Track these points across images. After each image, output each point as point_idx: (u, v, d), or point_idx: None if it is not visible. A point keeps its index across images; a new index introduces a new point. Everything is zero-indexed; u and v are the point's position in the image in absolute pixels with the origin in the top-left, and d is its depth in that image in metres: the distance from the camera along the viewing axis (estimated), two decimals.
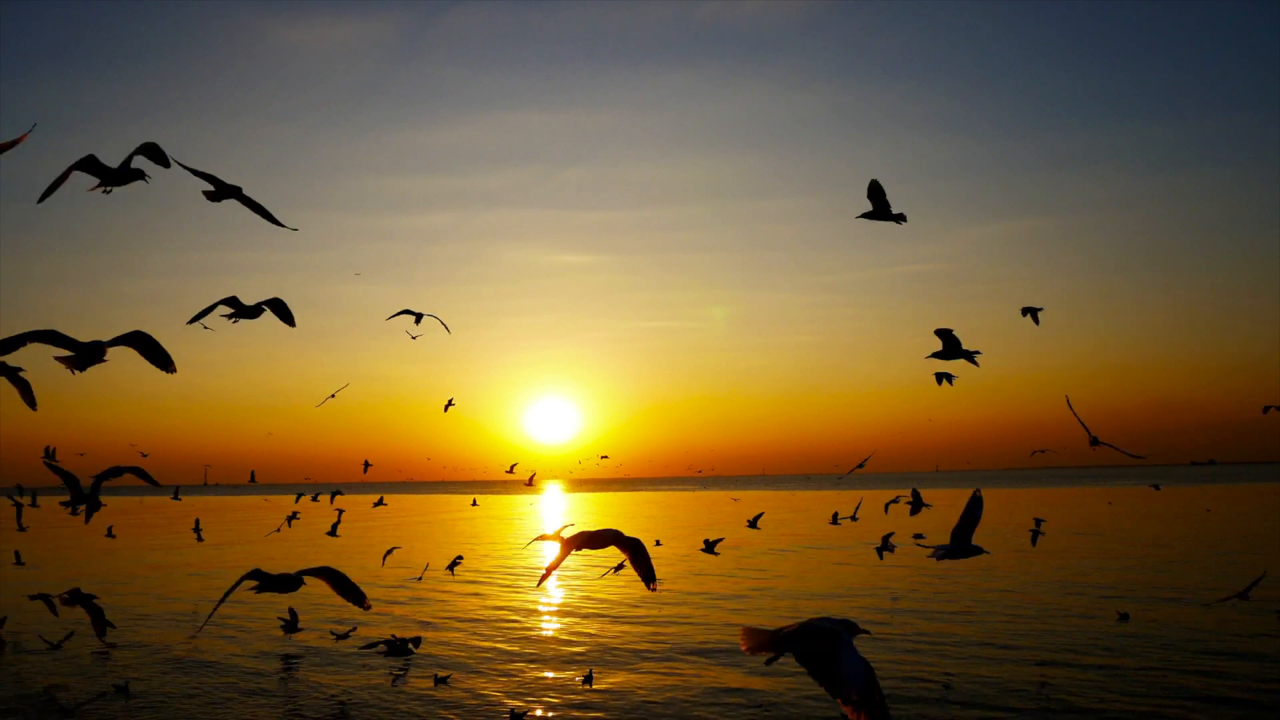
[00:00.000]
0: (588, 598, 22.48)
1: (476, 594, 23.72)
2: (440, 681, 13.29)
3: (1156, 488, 42.07)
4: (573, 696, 12.84)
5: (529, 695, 12.94)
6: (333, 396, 12.53)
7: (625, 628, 18.09)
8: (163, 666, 15.04)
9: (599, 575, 25.40)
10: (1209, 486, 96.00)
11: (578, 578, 26.96)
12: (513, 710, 11.76)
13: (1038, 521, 19.61)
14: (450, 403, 17.57)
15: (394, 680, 13.73)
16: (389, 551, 25.10)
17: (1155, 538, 36.00)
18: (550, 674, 14.29)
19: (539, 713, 12.11)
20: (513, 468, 25.29)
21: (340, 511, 28.58)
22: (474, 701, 12.61)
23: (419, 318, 10.15)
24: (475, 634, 17.72)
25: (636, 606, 20.66)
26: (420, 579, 25.28)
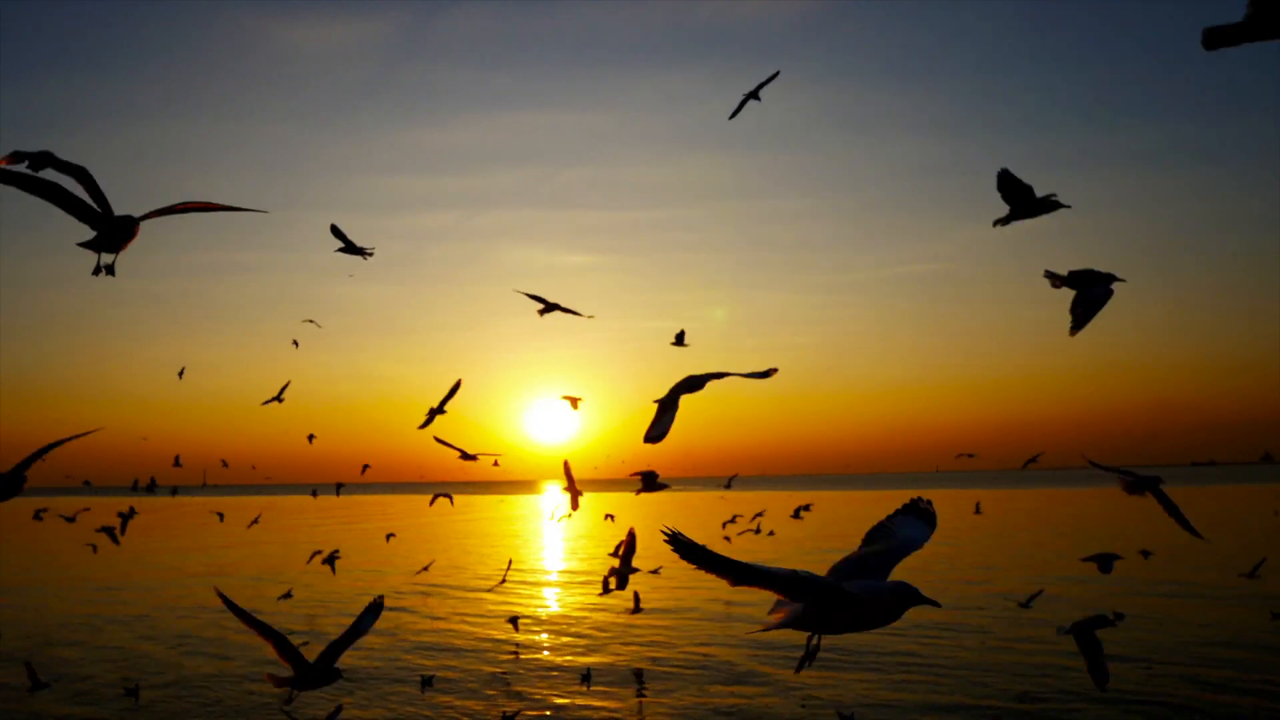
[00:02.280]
0: (585, 596, 22.42)
1: (479, 596, 23.66)
2: (427, 683, 13.13)
3: (977, 510, 32.82)
4: (570, 696, 12.78)
5: (523, 696, 12.88)
6: (279, 399, 12.19)
7: (625, 626, 18.02)
8: (173, 667, 14.97)
9: (596, 582, 25.34)
10: (1220, 487, 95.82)
11: (576, 578, 26.91)
12: (504, 713, 11.59)
13: (798, 509, 22.28)
14: (311, 437, 16.29)
15: (386, 684, 13.67)
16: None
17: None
18: (546, 672, 14.23)
19: (535, 713, 12.04)
20: (364, 469, 21.96)
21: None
22: (463, 703, 12.53)
23: (548, 307, 8.63)
24: (466, 634, 17.67)
25: (640, 603, 20.59)
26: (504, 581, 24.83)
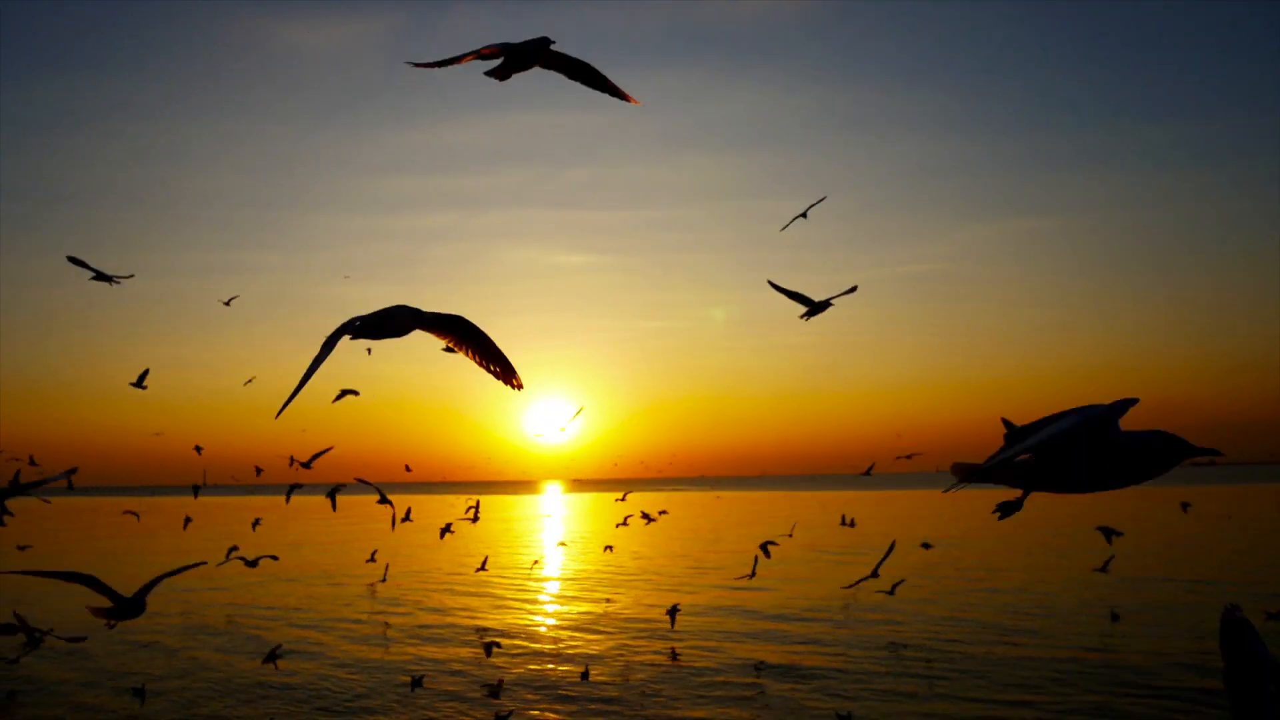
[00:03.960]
0: (581, 597, 22.41)
1: (482, 595, 23.66)
2: (417, 683, 12.97)
3: (850, 524, 27.94)
4: (570, 690, 12.75)
5: (519, 695, 12.85)
6: (141, 385, 12.14)
7: (623, 626, 18.02)
8: (180, 669, 14.92)
9: (598, 582, 25.36)
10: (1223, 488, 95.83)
11: (573, 582, 26.89)
12: (498, 712, 11.50)
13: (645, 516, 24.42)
14: (198, 449, 16.62)
15: (379, 682, 13.65)
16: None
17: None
18: (540, 670, 14.21)
19: (531, 712, 12.02)
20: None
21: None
22: (457, 702, 12.48)
23: (817, 307, 8.19)
24: (463, 634, 17.65)
25: (635, 605, 20.59)
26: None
